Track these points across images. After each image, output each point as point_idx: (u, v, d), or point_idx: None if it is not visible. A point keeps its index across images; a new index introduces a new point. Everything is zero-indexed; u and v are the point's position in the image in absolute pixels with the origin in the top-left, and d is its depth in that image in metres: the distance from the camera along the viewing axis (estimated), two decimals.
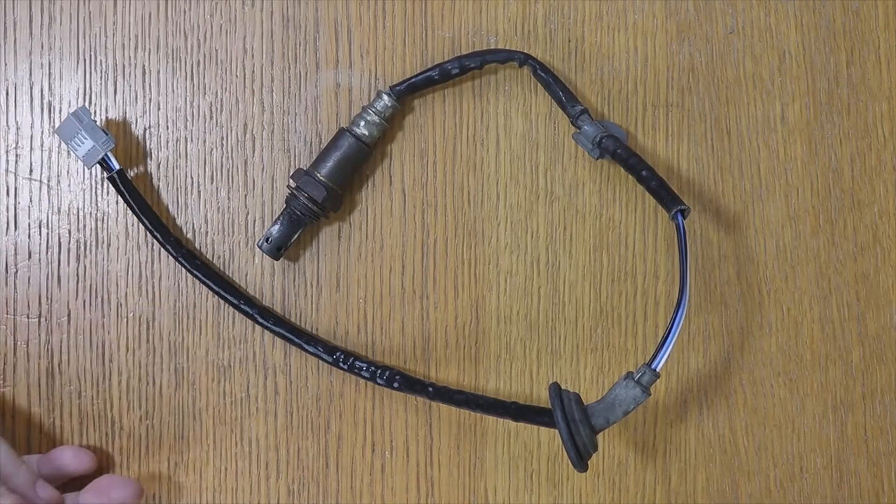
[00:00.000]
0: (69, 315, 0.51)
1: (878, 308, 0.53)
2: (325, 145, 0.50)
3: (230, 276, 0.51)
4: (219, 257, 0.51)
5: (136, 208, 0.49)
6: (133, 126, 0.51)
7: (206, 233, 0.51)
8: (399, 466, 0.52)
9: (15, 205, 0.51)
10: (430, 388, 0.48)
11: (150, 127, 0.51)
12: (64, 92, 0.51)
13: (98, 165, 0.49)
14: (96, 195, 0.51)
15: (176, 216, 0.51)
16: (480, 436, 0.52)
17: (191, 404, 0.51)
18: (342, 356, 0.49)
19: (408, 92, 0.50)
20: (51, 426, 0.50)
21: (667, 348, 0.45)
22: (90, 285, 0.51)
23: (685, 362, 0.53)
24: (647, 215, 0.53)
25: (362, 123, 0.50)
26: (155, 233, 0.49)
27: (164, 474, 0.51)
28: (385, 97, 0.50)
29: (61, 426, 0.50)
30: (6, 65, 0.51)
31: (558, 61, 0.52)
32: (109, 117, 0.51)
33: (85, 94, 0.51)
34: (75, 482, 0.49)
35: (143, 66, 0.51)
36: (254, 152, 0.52)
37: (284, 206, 0.50)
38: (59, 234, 0.51)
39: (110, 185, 0.50)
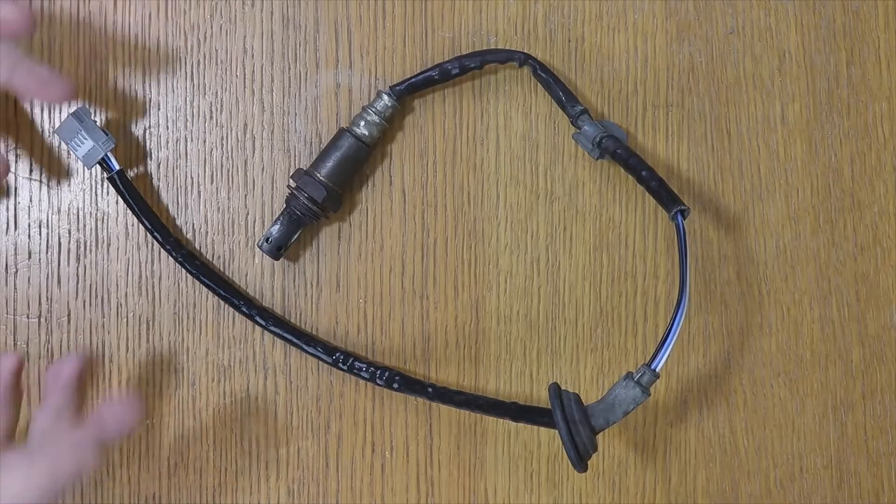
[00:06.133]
0: (69, 315, 0.51)
1: (878, 308, 0.53)
2: (325, 145, 0.50)
3: (230, 276, 0.51)
4: (219, 257, 0.51)
5: (136, 209, 0.49)
6: (133, 126, 0.51)
7: (206, 233, 0.51)
8: (399, 466, 0.52)
9: (15, 205, 0.51)
10: (430, 389, 0.48)
11: (150, 127, 0.51)
12: None
13: (98, 166, 0.49)
14: (96, 195, 0.51)
15: (176, 216, 0.51)
16: (480, 436, 0.52)
17: (191, 404, 0.51)
18: (342, 357, 0.49)
19: (408, 92, 0.50)
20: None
21: (667, 348, 0.45)
22: (90, 285, 0.51)
23: (685, 362, 0.53)
24: (647, 215, 0.53)
25: (362, 123, 0.50)
26: (155, 233, 0.49)
27: (164, 474, 0.51)
28: (385, 97, 0.50)
29: None
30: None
31: (558, 61, 0.52)
32: (109, 117, 0.51)
33: (85, 95, 0.51)
34: None
35: (143, 66, 0.51)
36: (254, 152, 0.52)
37: (284, 206, 0.50)
38: (59, 234, 0.51)
39: (110, 185, 0.50)
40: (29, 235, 0.51)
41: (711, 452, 0.53)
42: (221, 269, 0.51)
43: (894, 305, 0.54)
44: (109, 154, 0.48)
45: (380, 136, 0.51)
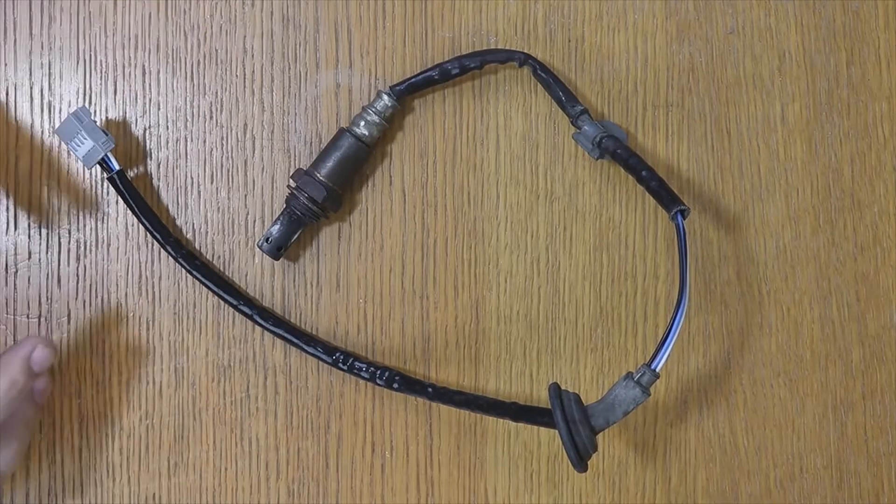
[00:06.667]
0: (69, 315, 0.51)
1: (878, 308, 0.53)
2: (325, 145, 0.50)
3: (230, 276, 0.51)
4: (219, 257, 0.51)
5: (136, 209, 0.49)
6: (133, 126, 0.51)
7: (206, 233, 0.51)
8: (399, 466, 0.52)
9: (15, 205, 0.51)
10: (430, 389, 0.48)
11: (150, 127, 0.51)
12: (64, 92, 0.51)
13: (98, 166, 0.49)
14: (96, 195, 0.51)
15: (176, 216, 0.51)
16: (480, 436, 0.52)
17: (191, 404, 0.51)
18: (342, 357, 0.49)
19: (408, 92, 0.50)
20: (51, 426, 0.50)
21: (667, 348, 0.45)
22: (90, 285, 0.51)
23: (685, 362, 0.53)
24: (647, 215, 0.53)
25: (362, 123, 0.50)
26: (155, 233, 0.49)
27: (164, 474, 0.51)
28: (385, 97, 0.50)
29: (61, 426, 0.50)
30: (6, 65, 0.51)
31: (558, 61, 0.52)
32: (109, 117, 0.51)
33: (85, 94, 0.51)
34: None
35: (143, 66, 0.51)
36: (254, 152, 0.52)
37: (284, 206, 0.50)
38: (59, 234, 0.51)
39: (110, 185, 0.50)
40: (29, 235, 0.51)
41: (711, 452, 0.53)
42: (221, 269, 0.51)
43: (894, 305, 0.54)
44: (109, 154, 0.48)
45: (380, 136, 0.51)
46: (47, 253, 0.51)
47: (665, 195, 0.48)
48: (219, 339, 0.51)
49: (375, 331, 0.52)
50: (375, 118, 0.50)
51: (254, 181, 0.51)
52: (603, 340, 0.52)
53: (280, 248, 0.50)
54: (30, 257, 0.51)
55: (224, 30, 0.51)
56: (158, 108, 0.51)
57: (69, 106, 0.51)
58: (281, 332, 0.50)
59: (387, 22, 0.52)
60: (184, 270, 0.50)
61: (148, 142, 0.51)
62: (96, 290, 0.51)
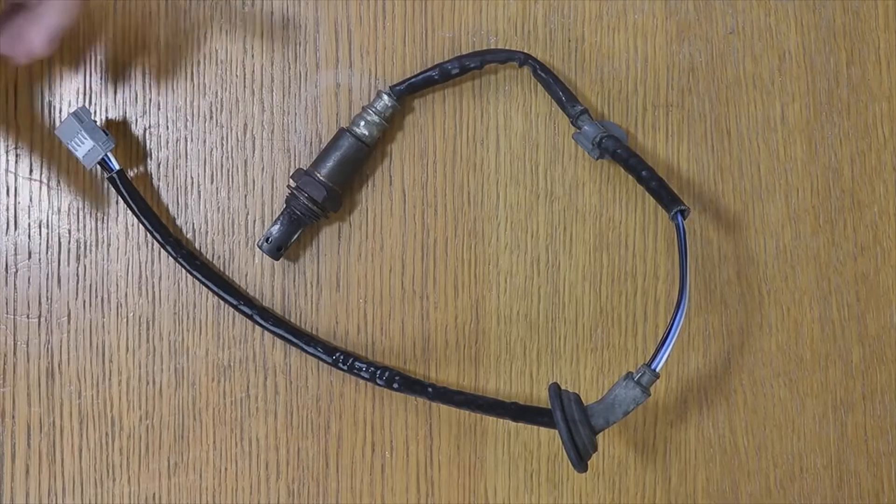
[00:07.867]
0: (69, 315, 0.51)
1: (878, 308, 0.53)
2: (325, 145, 0.50)
3: (230, 276, 0.51)
4: (219, 257, 0.51)
5: (136, 209, 0.49)
6: (133, 126, 0.51)
7: (206, 233, 0.51)
8: (399, 466, 0.52)
9: (15, 205, 0.51)
10: (430, 389, 0.48)
11: (150, 127, 0.51)
12: (64, 92, 0.51)
13: (98, 166, 0.49)
14: (96, 195, 0.51)
15: (176, 216, 0.51)
16: (480, 436, 0.52)
17: (191, 404, 0.51)
18: (342, 357, 0.49)
19: (408, 92, 0.50)
20: (51, 426, 0.50)
21: (667, 348, 0.45)
22: (90, 285, 0.51)
23: (685, 362, 0.53)
24: (647, 215, 0.53)
25: (362, 123, 0.50)
26: (155, 233, 0.49)
27: (164, 474, 0.51)
28: (385, 97, 0.50)
29: (61, 426, 0.50)
30: (6, 65, 0.51)
31: (558, 61, 0.52)
32: (109, 117, 0.51)
33: (85, 94, 0.51)
34: None
35: (143, 66, 0.51)
36: (254, 152, 0.52)
37: (284, 206, 0.50)
38: (59, 234, 0.51)
39: (110, 185, 0.50)
40: (29, 235, 0.51)
41: (711, 452, 0.53)
42: (221, 269, 0.51)
43: (894, 305, 0.54)
44: (109, 154, 0.48)
45: (380, 136, 0.51)
46: (47, 253, 0.51)
47: (665, 195, 0.48)
48: (219, 339, 0.51)
49: (375, 331, 0.52)
50: (375, 118, 0.50)
51: (254, 181, 0.51)
52: (603, 340, 0.52)
53: (280, 248, 0.50)
54: (30, 257, 0.51)
55: (224, 30, 0.51)
56: (158, 108, 0.51)
57: (69, 106, 0.51)
58: (281, 332, 0.50)
59: (387, 22, 0.52)
60: (184, 270, 0.50)
61: (148, 142, 0.51)
62: (96, 290, 0.51)
